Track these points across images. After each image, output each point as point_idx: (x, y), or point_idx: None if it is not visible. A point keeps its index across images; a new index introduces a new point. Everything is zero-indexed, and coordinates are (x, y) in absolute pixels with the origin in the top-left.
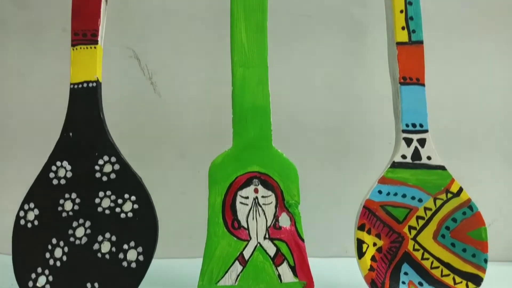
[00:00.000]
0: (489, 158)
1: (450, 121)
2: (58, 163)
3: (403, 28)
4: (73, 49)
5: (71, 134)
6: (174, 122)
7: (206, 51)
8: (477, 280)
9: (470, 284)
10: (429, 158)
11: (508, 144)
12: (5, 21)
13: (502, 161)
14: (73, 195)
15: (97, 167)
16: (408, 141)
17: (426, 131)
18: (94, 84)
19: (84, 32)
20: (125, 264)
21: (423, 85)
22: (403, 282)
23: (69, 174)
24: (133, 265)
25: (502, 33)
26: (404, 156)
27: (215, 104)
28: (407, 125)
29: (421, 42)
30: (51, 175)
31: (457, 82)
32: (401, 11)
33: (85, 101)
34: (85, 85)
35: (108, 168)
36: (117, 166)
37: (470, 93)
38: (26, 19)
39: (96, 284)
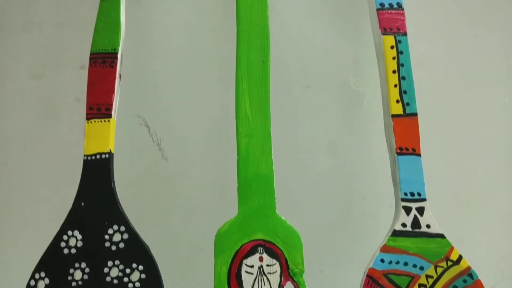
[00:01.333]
0: (488, 220)
1: (448, 184)
2: (70, 233)
3: (397, 101)
4: (87, 122)
5: (83, 204)
6: (181, 186)
7: (213, 119)
8: None
9: None
10: (428, 226)
11: (505, 204)
12: (21, 90)
13: (500, 222)
14: (83, 265)
15: (106, 237)
16: (407, 210)
17: (424, 199)
18: (107, 156)
19: (99, 107)
20: None
21: (419, 155)
22: None
23: (79, 244)
24: None
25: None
26: (404, 225)
27: (220, 170)
28: (405, 194)
29: (415, 114)
30: (62, 244)
31: (453, 148)
32: (395, 85)
33: (97, 172)
34: (98, 156)
35: (117, 237)
36: (126, 235)
37: (467, 158)
38: (41, 88)
39: None
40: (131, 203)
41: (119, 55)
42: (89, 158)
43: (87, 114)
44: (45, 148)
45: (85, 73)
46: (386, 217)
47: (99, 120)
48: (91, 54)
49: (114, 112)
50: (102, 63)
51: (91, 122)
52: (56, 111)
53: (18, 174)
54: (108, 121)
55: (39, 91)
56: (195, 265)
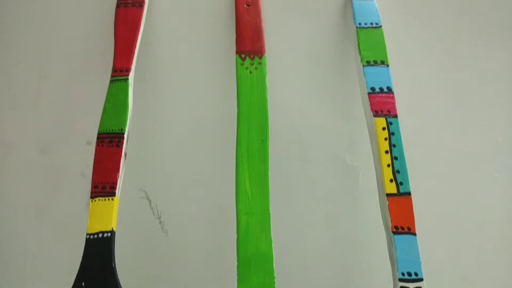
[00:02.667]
0: None
1: (445, 259)
2: None
3: (391, 181)
4: (92, 201)
5: (83, 284)
6: (180, 260)
7: (213, 193)
8: None
9: None
10: None
11: (503, 277)
12: (28, 164)
13: None
14: None
15: None
16: None
17: (421, 279)
18: (109, 235)
19: (104, 185)
20: None
21: (415, 234)
22: None
23: None
24: None
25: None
26: None
27: (220, 245)
28: (403, 274)
29: (409, 194)
30: None
31: (448, 223)
32: (388, 165)
33: (99, 251)
34: (100, 235)
35: None
36: None
37: (461, 233)
38: (47, 163)
39: None
40: (130, 277)
41: (125, 135)
42: (91, 237)
43: (91, 193)
44: (48, 222)
45: (90, 149)
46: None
47: (103, 198)
48: (98, 134)
49: (118, 190)
50: (109, 142)
51: (95, 201)
52: (61, 186)
53: (21, 248)
54: (112, 199)
55: (45, 165)
56: None
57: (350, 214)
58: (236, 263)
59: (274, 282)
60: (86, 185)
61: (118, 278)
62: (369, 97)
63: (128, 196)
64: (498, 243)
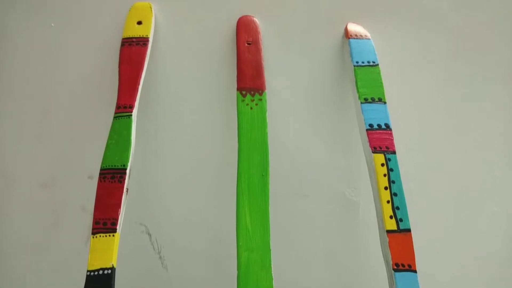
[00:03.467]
0: None
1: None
2: None
3: (391, 217)
4: (93, 237)
5: None
6: None
7: (213, 228)
8: None
9: None
10: None
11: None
12: (29, 198)
13: None
14: None
15: None
16: None
17: None
18: (109, 271)
19: (105, 221)
20: None
21: (415, 271)
22: None
23: None
24: None
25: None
26: None
27: (220, 281)
28: None
29: (408, 230)
30: None
31: (448, 260)
32: (388, 202)
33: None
34: (100, 272)
35: None
36: None
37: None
38: (49, 197)
39: None
40: None
41: (127, 171)
42: (92, 273)
43: (93, 229)
44: (48, 258)
45: (92, 183)
46: None
47: (104, 235)
48: (101, 170)
49: (119, 226)
50: (111, 178)
51: (96, 237)
52: (61, 220)
53: (20, 284)
54: (113, 235)
55: (46, 200)
56: None
57: (350, 250)
58: None
59: None
60: (87, 220)
61: None
62: (368, 134)
63: (129, 230)
64: (498, 278)
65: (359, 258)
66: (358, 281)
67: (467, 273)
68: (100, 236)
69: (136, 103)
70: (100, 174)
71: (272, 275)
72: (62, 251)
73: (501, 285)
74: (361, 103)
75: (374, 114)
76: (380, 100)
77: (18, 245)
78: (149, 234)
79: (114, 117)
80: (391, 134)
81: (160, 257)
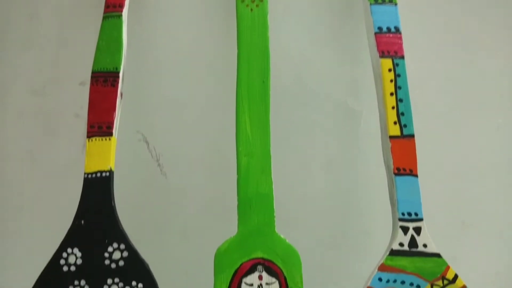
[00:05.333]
0: (483, 239)
1: (444, 204)
2: (69, 250)
3: (395, 123)
4: (88, 140)
5: (82, 222)
6: (179, 203)
7: (212, 136)
8: None
9: None
10: (425, 245)
11: (499, 224)
12: (21, 106)
13: (495, 241)
14: (82, 282)
15: (106, 254)
16: (405, 229)
17: (421, 219)
18: (107, 174)
19: (100, 125)
20: None
21: (416, 175)
22: None
23: (79, 261)
24: None
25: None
26: (401, 244)
27: (219, 187)
28: (403, 214)
29: (412, 136)
30: (62, 261)
31: (449, 168)
32: (393, 107)
33: (98, 190)
34: (98, 174)
35: (117, 255)
36: (125, 253)
37: (462, 178)
38: (40, 105)
39: None
40: (128, 220)
41: (120, 74)
42: (89, 176)
43: (88, 132)
44: (44, 165)
45: (84, 89)
46: (384, 235)
47: (100, 138)
48: (92, 72)
49: (115, 131)
50: (104, 82)
51: (91, 140)
52: (55, 128)
53: (17, 192)
54: (109, 139)
55: (38, 108)
56: (194, 283)
57: (350, 159)
58: (236, 205)
59: (274, 222)
60: (81, 127)
61: (118, 217)
62: (376, 37)
63: (125, 139)
64: (498, 191)
65: (358, 166)
66: (357, 188)
67: (467, 183)
68: (95, 139)
69: (126, 3)
70: (92, 77)
71: (272, 180)
72: (58, 159)
73: (500, 197)
74: (371, 4)
75: (384, 16)
76: (391, 1)
77: (13, 154)
78: (147, 142)
79: (104, 18)
80: (400, 38)
81: (159, 165)
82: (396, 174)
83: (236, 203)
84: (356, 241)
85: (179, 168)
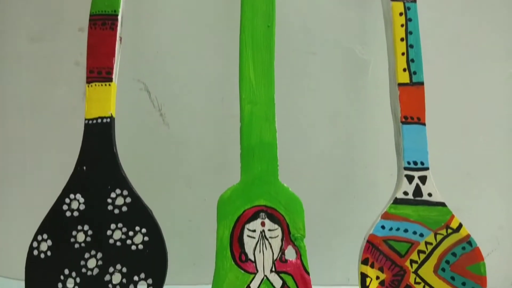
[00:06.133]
0: (488, 190)
1: (450, 154)
2: (72, 196)
3: (404, 70)
4: (88, 86)
5: (84, 168)
6: (182, 152)
7: (215, 85)
8: None
9: None
10: (430, 195)
11: (505, 176)
12: (19, 54)
13: (499, 193)
14: (86, 227)
15: (109, 200)
16: (410, 178)
17: (427, 168)
18: (108, 120)
19: (99, 70)
20: None
21: (424, 124)
22: None
23: (82, 207)
24: None
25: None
26: (406, 193)
27: (222, 136)
28: (408, 163)
29: (421, 83)
30: (65, 207)
31: (456, 119)
32: (403, 54)
33: (99, 136)
34: (99, 120)
35: (120, 201)
36: (128, 199)
37: (469, 129)
38: (39, 52)
39: None
40: (131, 169)
41: (119, 17)
42: (90, 122)
43: (87, 78)
44: (44, 112)
45: (83, 36)
46: (387, 186)
47: (99, 83)
48: (90, 15)
49: (115, 76)
50: (102, 25)
51: (91, 86)
52: (54, 75)
53: (18, 139)
54: (109, 85)
55: (37, 55)
56: (196, 230)
57: (356, 108)
58: (239, 153)
59: (277, 170)
60: (81, 75)
61: (120, 164)
62: None
63: (126, 87)
64: (504, 144)
65: (365, 116)
66: (362, 140)
67: (475, 135)
68: (95, 85)
69: None
70: (90, 20)
71: (276, 128)
72: (58, 107)
73: (505, 150)
74: None
75: None
76: None
77: (13, 102)
78: (148, 92)
79: None
80: None
81: (161, 114)
82: (403, 123)
83: (239, 151)
84: (360, 192)
85: (181, 118)
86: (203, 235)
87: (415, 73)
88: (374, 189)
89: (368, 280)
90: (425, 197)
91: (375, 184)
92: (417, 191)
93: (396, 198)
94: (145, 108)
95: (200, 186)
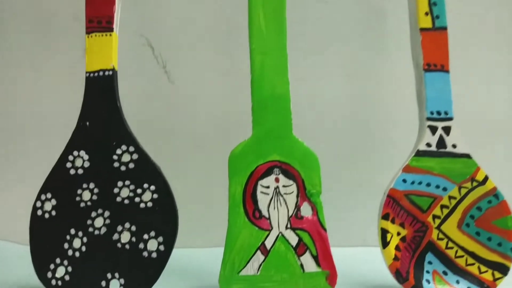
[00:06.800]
0: None
1: (473, 108)
2: (75, 153)
3: (426, 14)
4: (87, 37)
5: (88, 123)
6: (189, 109)
7: (222, 38)
8: (504, 269)
9: (496, 273)
10: (454, 146)
11: None
12: (16, 11)
13: None
14: (91, 185)
15: (115, 157)
16: (433, 129)
17: (451, 118)
18: (110, 73)
19: (99, 19)
20: (145, 254)
21: (448, 71)
22: (427, 271)
23: (86, 164)
24: (154, 255)
25: None
26: (429, 144)
27: (231, 92)
28: (431, 113)
29: (445, 28)
30: (68, 165)
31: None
32: None
33: (101, 89)
34: (101, 73)
35: (126, 157)
36: (135, 156)
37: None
38: (37, 8)
39: (116, 274)
40: (136, 130)
41: None
42: (91, 75)
43: (86, 28)
44: (45, 68)
45: None
46: (407, 143)
47: (100, 34)
48: None
49: (116, 26)
50: None
51: (91, 37)
52: (53, 30)
53: (20, 97)
54: (110, 35)
55: (34, 9)
56: (207, 188)
57: (373, 62)
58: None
59: (291, 124)
60: (81, 30)
61: (125, 119)
62: None
63: (128, 42)
64: None
65: (384, 68)
66: (382, 93)
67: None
68: (95, 36)
69: None
70: None
71: (289, 80)
72: (59, 65)
73: None
74: None
75: None
76: None
77: (13, 59)
78: (152, 47)
79: None
80: None
81: (166, 72)
82: (425, 70)
83: (250, 106)
84: (378, 149)
85: (187, 75)
86: (214, 197)
87: (437, 17)
88: (393, 146)
89: (388, 236)
90: (449, 148)
91: (395, 141)
92: (441, 143)
93: (418, 150)
94: (149, 65)
95: (209, 145)
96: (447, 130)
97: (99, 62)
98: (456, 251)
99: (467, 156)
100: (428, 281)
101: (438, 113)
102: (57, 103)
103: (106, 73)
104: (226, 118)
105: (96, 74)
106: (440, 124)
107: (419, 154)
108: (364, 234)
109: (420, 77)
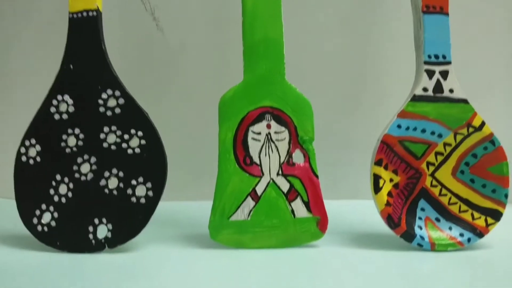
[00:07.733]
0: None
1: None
2: (59, 97)
3: None
4: None
5: (71, 66)
6: (178, 59)
7: None
8: (497, 215)
9: (489, 219)
10: (451, 91)
11: None
12: None
13: None
14: (77, 131)
15: (100, 101)
16: (430, 73)
17: (449, 62)
18: (95, 14)
19: None
20: (134, 200)
21: (447, 14)
22: (420, 218)
23: (71, 109)
24: (142, 200)
25: None
26: (425, 89)
27: (222, 37)
28: (429, 57)
29: None
30: (52, 109)
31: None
32: None
33: (85, 31)
34: (84, 14)
35: (112, 102)
36: (121, 101)
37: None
38: None
39: (104, 220)
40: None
41: None
42: (74, 16)
43: None
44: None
45: None
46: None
47: None
48: None
49: None
50: None
51: None
52: None
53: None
54: None
55: None
56: (196, 134)
57: (368, 8)
58: (241, 52)
59: (284, 69)
60: None
61: (110, 62)
62: None
63: None
64: None
65: (378, 16)
66: (378, 37)
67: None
68: None
69: None
70: None
71: (283, 24)
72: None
73: None
74: None
75: None
76: None
77: None
78: None
79: None
80: None
81: (155, 19)
82: (424, 12)
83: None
84: (372, 102)
85: (177, 23)
86: (203, 148)
87: None
88: (387, 100)
89: (381, 181)
90: (446, 93)
91: (389, 94)
92: (438, 87)
93: (414, 95)
94: (136, 12)
95: (199, 95)
96: (444, 74)
97: (83, 2)
98: (450, 198)
99: (464, 101)
100: (420, 227)
101: (436, 56)
102: (40, 43)
103: (90, 13)
104: (217, 68)
105: (79, 14)
106: (437, 68)
107: (415, 99)
108: (356, 187)
109: (419, 19)
